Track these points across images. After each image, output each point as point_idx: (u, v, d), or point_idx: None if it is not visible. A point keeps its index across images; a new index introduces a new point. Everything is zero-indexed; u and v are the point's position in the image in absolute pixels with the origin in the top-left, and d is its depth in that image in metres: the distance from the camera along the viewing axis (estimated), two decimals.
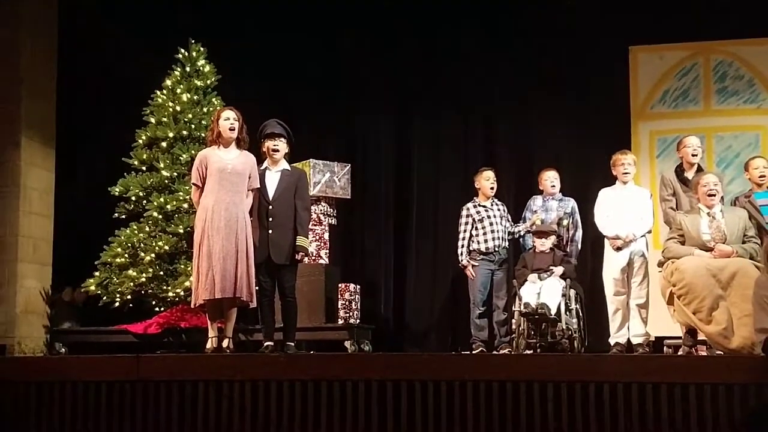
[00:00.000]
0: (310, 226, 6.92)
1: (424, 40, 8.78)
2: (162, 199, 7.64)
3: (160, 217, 7.65)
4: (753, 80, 8.27)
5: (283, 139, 6.28)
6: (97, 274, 7.69)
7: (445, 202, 8.52)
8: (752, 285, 5.38)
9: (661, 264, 6.18)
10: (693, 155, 6.70)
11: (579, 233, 7.28)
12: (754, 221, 6.24)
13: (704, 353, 6.10)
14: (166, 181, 7.76)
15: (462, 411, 5.23)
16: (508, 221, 7.37)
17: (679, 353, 6.19)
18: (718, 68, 8.36)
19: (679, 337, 6.22)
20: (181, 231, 7.53)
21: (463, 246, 7.25)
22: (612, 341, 6.80)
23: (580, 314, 6.82)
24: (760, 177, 6.52)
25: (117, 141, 8.20)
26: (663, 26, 8.32)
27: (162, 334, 7.33)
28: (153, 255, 7.55)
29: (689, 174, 6.70)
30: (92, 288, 7.66)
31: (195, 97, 8.02)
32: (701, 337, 5.95)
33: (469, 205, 7.35)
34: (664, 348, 6.93)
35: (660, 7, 8.24)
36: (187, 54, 8.08)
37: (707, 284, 5.65)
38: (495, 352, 6.93)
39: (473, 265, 7.17)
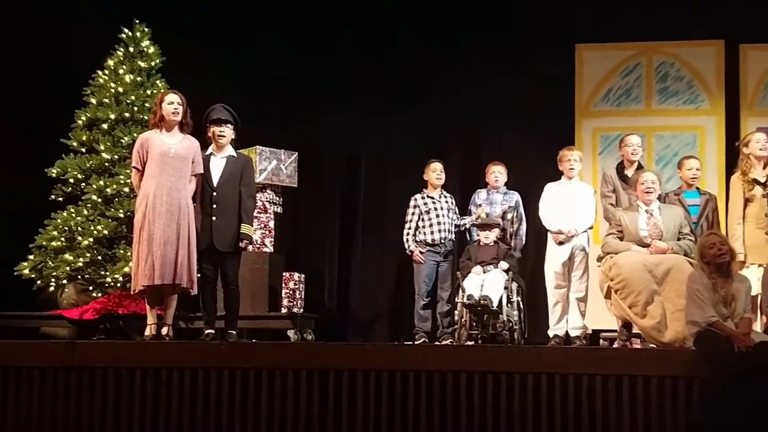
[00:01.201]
0: (255, 214, 6.87)
1: (374, 30, 8.76)
2: (102, 182, 7.50)
3: (100, 200, 7.51)
4: (692, 81, 8.42)
5: (229, 125, 6.22)
6: (31, 257, 7.52)
7: (393, 192, 8.53)
8: (686, 280, 5.52)
9: (600, 259, 6.30)
10: (633, 154, 6.84)
11: (523, 227, 7.36)
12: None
13: (638, 346, 6.23)
14: (107, 164, 7.62)
15: (403, 401, 5.27)
16: (455, 214, 7.42)
17: (615, 346, 6.31)
18: (660, 69, 8.49)
19: (615, 331, 6.33)
20: (121, 215, 7.41)
21: (408, 233, 7.30)
22: (551, 333, 6.90)
23: (521, 307, 6.91)
24: (692, 178, 6.69)
25: (55, 121, 7.99)
26: (609, 25, 8.44)
27: (99, 320, 7.20)
28: (91, 239, 7.41)
29: (629, 172, 6.83)
30: (26, 272, 7.49)
31: (138, 79, 7.88)
32: (636, 330, 6.07)
33: (417, 196, 7.41)
34: (600, 341, 7.07)
35: (606, 7, 8.35)
36: (131, 34, 7.93)
37: (643, 279, 5.78)
38: (437, 343, 6.98)
39: (420, 252, 7.22)
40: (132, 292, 6.16)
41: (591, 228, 7.06)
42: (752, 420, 4.60)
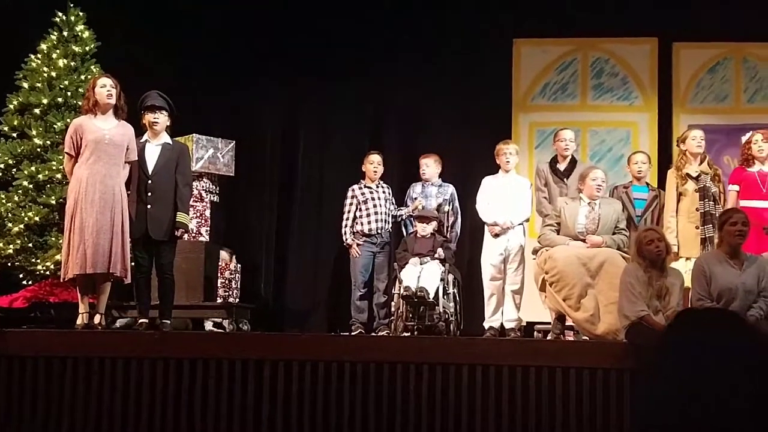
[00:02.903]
0: (191, 203, 6.79)
1: (316, 22, 8.71)
2: (33, 168, 7.31)
3: (31, 186, 7.33)
4: (627, 78, 8.53)
5: (164, 111, 6.13)
6: None
7: (330, 182, 8.51)
8: (619, 274, 5.62)
9: (535, 252, 6.39)
10: (565, 149, 6.96)
11: (458, 220, 7.42)
12: (626, 213, 6.55)
13: (572, 338, 6.35)
14: (39, 150, 7.43)
15: (339, 392, 5.27)
16: (392, 204, 7.45)
17: (549, 338, 6.40)
18: (595, 65, 8.58)
19: (549, 323, 6.43)
20: (53, 202, 7.24)
21: (347, 225, 7.31)
22: (486, 325, 6.98)
23: (457, 298, 6.97)
24: (638, 171, 6.84)
25: None
26: (546, 21, 8.52)
27: (29, 308, 7.04)
28: (21, 226, 7.23)
29: (562, 166, 6.96)
30: None
31: (72, 64, 7.70)
32: (569, 323, 6.19)
33: (355, 186, 7.41)
34: (535, 333, 7.17)
35: (544, 2, 8.43)
36: (65, 18, 7.75)
37: (577, 272, 5.88)
38: (373, 334, 7.00)
39: (357, 244, 7.23)
40: (62, 280, 6.05)
41: (527, 221, 7.15)
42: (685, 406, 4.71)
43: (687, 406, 1.68)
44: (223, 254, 7.74)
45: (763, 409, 1.66)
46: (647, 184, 6.91)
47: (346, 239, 7.30)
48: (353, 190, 7.40)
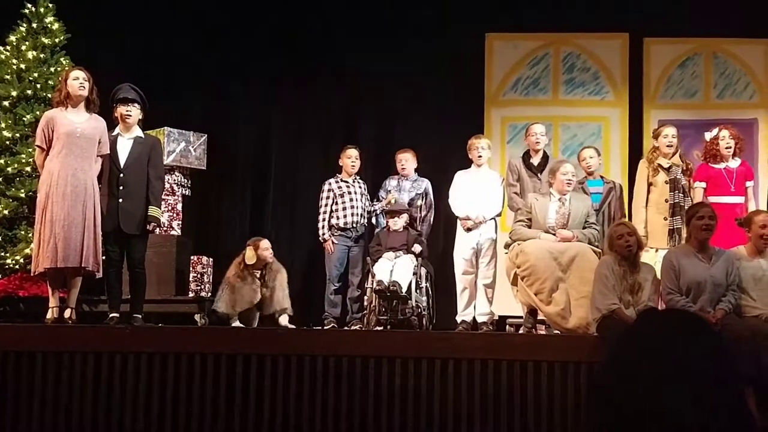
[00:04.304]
0: (162, 196, 6.75)
1: (289, 16, 8.67)
2: (2, 161, 7.23)
3: (0, 179, 7.26)
4: (598, 73, 8.59)
5: (136, 104, 6.09)
6: None
7: (304, 176, 8.50)
8: (590, 268, 5.68)
9: (507, 246, 6.42)
10: (536, 143, 7.00)
11: (431, 214, 7.44)
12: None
13: (543, 332, 6.39)
14: (8, 143, 7.35)
15: (312, 385, 5.28)
16: (368, 199, 7.45)
17: (520, 332, 6.44)
18: (567, 60, 8.63)
19: (521, 317, 6.47)
20: (23, 195, 7.17)
21: (324, 220, 7.30)
22: (458, 319, 7.00)
23: (430, 293, 6.99)
24: (588, 167, 6.92)
25: None
26: (518, 16, 8.56)
27: None
28: None
29: (534, 160, 7.00)
30: None
31: (42, 56, 7.61)
32: (541, 316, 6.23)
33: (331, 180, 7.42)
34: (507, 327, 7.21)
35: None
36: (34, 10, 7.66)
37: (549, 266, 5.91)
38: (346, 328, 7.01)
39: (333, 242, 7.23)
40: (32, 274, 5.99)
41: (499, 215, 7.19)
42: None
43: (642, 402, 1.70)
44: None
45: (717, 411, 1.68)
46: (601, 177, 6.99)
47: (323, 234, 7.29)
48: (329, 183, 7.40)
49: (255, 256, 6.73)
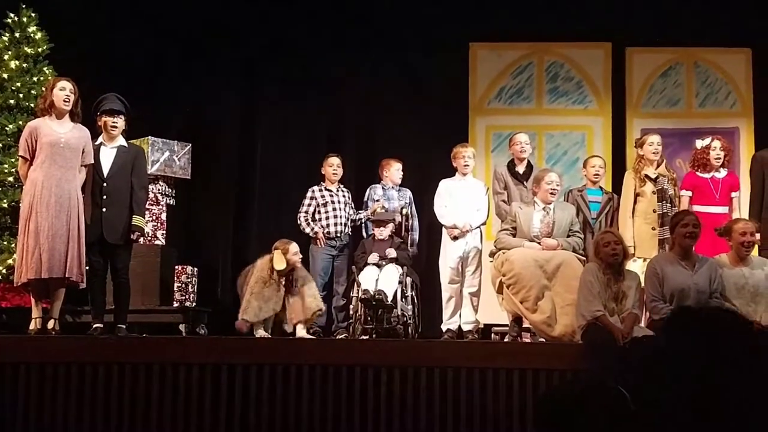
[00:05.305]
0: (146, 206, 6.72)
1: (273, 24, 8.67)
2: None
3: None
4: (581, 82, 8.63)
5: (122, 115, 6.07)
6: None
7: (287, 185, 8.47)
8: (575, 276, 5.69)
9: (492, 254, 6.44)
10: (521, 152, 7.03)
11: (416, 223, 7.46)
12: (581, 216, 6.64)
13: (528, 340, 6.40)
14: None
15: (297, 395, 5.26)
16: (351, 208, 7.45)
17: (506, 340, 6.45)
18: (550, 69, 8.66)
19: (506, 325, 6.48)
20: (5, 205, 7.13)
21: (307, 218, 7.27)
22: (444, 328, 7.00)
23: (415, 301, 6.99)
24: (595, 175, 6.93)
25: None
26: (502, 25, 8.59)
27: None
28: None
29: (520, 168, 7.03)
30: None
31: (24, 65, 7.59)
32: (526, 324, 6.24)
33: (315, 188, 7.41)
34: (492, 335, 7.21)
35: (500, 6, 8.50)
36: (17, 19, 7.63)
37: (534, 275, 5.93)
38: (332, 337, 6.99)
39: (323, 236, 7.19)
40: (15, 284, 5.95)
41: (484, 224, 7.20)
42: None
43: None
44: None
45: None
46: (601, 187, 7.01)
47: (313, 229, 7.24)
48: (313, 191, 7.39)
49: (284, 261, 6.37)
